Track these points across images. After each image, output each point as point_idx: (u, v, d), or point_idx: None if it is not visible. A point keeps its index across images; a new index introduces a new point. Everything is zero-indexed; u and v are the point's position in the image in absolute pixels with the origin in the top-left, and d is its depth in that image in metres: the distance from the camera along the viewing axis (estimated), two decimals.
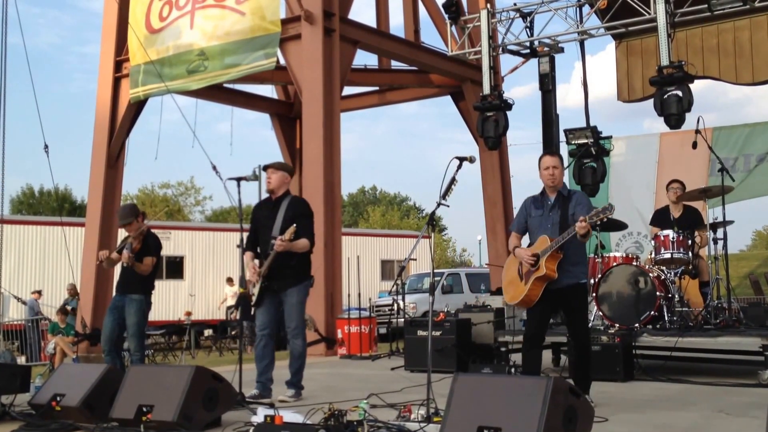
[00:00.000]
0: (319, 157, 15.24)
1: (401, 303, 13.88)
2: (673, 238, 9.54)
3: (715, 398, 7.33)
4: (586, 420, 5.07)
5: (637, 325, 9.14)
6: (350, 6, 16.80)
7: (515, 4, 14.12)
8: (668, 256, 9.53)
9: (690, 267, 9.63)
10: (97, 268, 16.59)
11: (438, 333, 10.27)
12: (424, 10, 20.00)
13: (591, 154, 13.16)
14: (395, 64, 19.99)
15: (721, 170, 9.62)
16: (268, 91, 21.28)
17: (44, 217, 31.28)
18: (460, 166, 6.73)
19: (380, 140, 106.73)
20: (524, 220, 7.14)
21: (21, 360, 16.68)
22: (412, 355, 10.59)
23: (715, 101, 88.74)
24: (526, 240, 7.16)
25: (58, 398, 6.69)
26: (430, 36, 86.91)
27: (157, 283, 9.28)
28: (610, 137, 14.34)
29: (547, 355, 10.17)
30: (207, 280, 26.21)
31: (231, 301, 23.79)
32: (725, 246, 9.40)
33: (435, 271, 25.64)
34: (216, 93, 19.29)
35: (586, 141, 13.14)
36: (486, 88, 13.76)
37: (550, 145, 13.78)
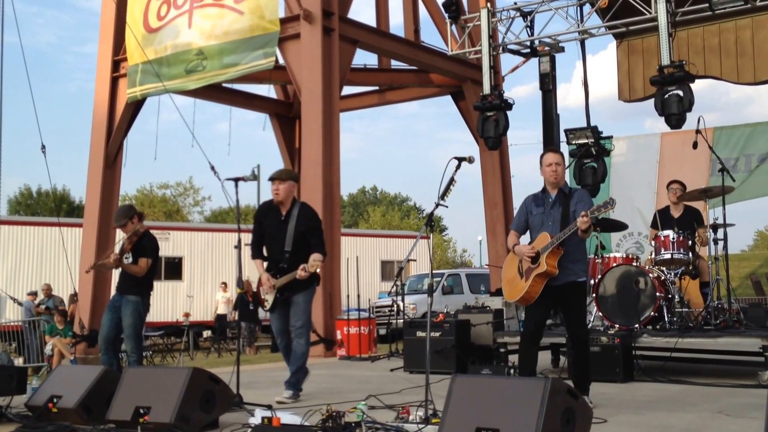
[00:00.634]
0: (318, 157, 15.20)
1: (401, 304, 13.84)
2: (673, 238, 9.51)
3: (714, 399, 7.29)
4: (585, 421, 5.06)
5: (637, 325, 9.11)
6: (350, 5, 16.76)
7: (515, 4, 14.09)
8: (668, 256, 9.50)
9: (690, 267, 9.61)
10: (95, 269, 16.55)
11: (437, 334, 10.23)
12: (424, 10, 19.96)
13: (591, 154, 13.13)
14: (395, 64, 19.96)
15: (721, 170, 9.59)
16: (267, 90, 21.26)
17: (42, 218, 31.25)
18: (458, 167, 6.67)
19: (381, 140, 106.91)
20: (524, 218, 7.13)
21: (18, 361, 16.63)
22: (412, 356, 10.56)
23: (717, 101, 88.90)
24: (526, 239, 7.12)
25: (55, 400, 6.66)
26: (430, 35, 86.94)
27: (156, 284, 9.24)
28: (611, 137, 14.32)
29: (546, 356, 10.15)
30: (206, 281, 26.16)
31: (222, 308, 23.71)
32: (725, 246, 9.37)
33: (436, 271, 25.82)
34: (214, 93, 19.24)
35: (586, 141, 13.11)
36: (486, 88, 13.74)
37: (550, 145, 13.75)
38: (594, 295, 9.44)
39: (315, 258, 7.63)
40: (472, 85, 18.77)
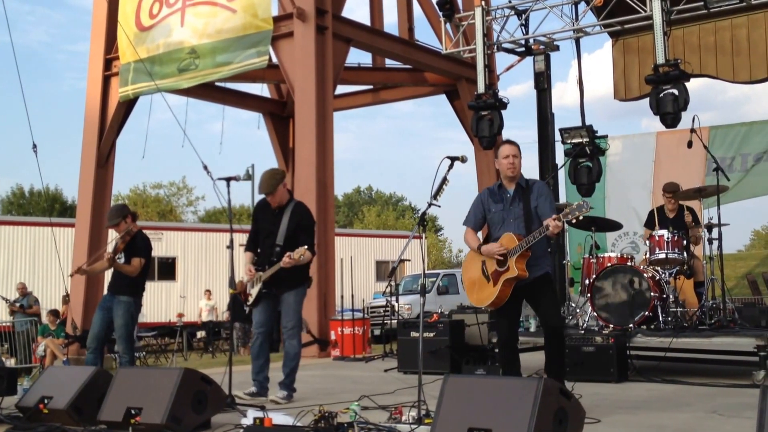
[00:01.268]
0: (311, 156, 15.15)
1: (395, 304, 13.81)
2: (668, 238, 9.49)
3: (709, 399, 7.27)
4: (577, 421, 5.06)
5: (631, 325, 9.08)
6: (343, 3, 16.72)
7: (510, 2, 14.05)
8: (663, 256, 9.48)
9: (685, 267, 9.58)
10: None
11: (431, 334, 10.19)
12: (418, 8, 19.97)
13: (586, 153, 13.09)
14: (389, 63, 19.94)
15: (716, 170, 9.56)
16: (260, 89, 21.20)
17: (34, 218, 31.16)
18: (451, 166, 6.63)
19: (376, 140, 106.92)
20: (482, 215, 6.88)
21: (10, 362, 16.55)
22: (406, 356, 10.50)
23: (714, 99, 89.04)
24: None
25: (46, 401, 6.61)
26: (424, 34, 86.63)
27: (149, 285, 9.22)
28: (606, 136, 14.29)
29: (540, 357, 10.11)
30: (200, 282, 26.06)
31: (206, 316, 23.62)
32: (720, 246, 9.34)
33: (431, 272, 25.79)
34: (207, 92, 19.19)
35: (581, 140, 13.06)
36: (481, 87, 13.70)
37: (545, 145, 13.76)
38: (588, 294, 9.41)
39: (302, 252, 7.56)
40: (467, 84, 18.73)
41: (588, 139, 13.06)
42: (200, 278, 26.08)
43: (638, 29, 14.39)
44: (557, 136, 13.44)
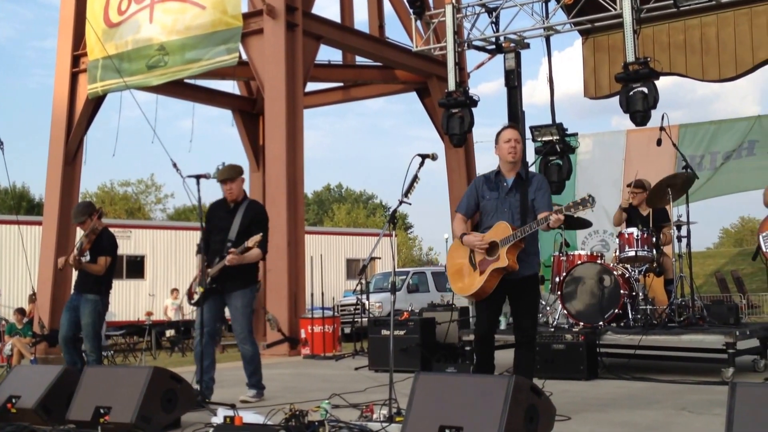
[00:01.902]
0: (281, 154, 15.09)
1: (366, 302, 13.79)
2: (637, 235, 9.53)
3: (678, 396, 7.30)
4: (548, 419, 5.08)
5: (601, 323, 9.11)
6: (313, 0, 16.64)
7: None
8: (632, 253, 9.52)
9: (654, 265, 9.62)
10: (55, 268, 16.32)
11: (402, 332, 10.19)
12: (388, 5, 19.91)
13: (557, 151, 13.14)
14: (360, 60, 19.89)
15: (685, 167, 9.62)
16: (231, 87, 21.07)
17: (0, 216, 30.79)
18: (422, 164, 6.55)
19: (346, 137, 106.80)
20: (474, 202, 6.55)
21: None
22: (376, 354, 10.49)
23: (683, 98, 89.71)
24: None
25: (14, 400, 6.53)
26: (394, 31, 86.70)
27: (118, 283, 9.13)
28: (576, 134, 14.34)
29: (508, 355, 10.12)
30: (169, 280, 25.85)
31: (172, 314, 23.43)
32: (689, 244, 9.40)
33: (401, 270, 25.78)
34: (177, 89, 19.03)
35: (551, 138, 13.10)
36: (451, 85, 13.70)
37: None
38: (559, 292, 9.43)
39: (253, 238, 7.46)
40: (438, 82, 18.71)
41: (558, 137, 13.10)
42: (169, 277, 25.88)
43: (608, 27, 14.44)
44: (528, 134, 13.44)
